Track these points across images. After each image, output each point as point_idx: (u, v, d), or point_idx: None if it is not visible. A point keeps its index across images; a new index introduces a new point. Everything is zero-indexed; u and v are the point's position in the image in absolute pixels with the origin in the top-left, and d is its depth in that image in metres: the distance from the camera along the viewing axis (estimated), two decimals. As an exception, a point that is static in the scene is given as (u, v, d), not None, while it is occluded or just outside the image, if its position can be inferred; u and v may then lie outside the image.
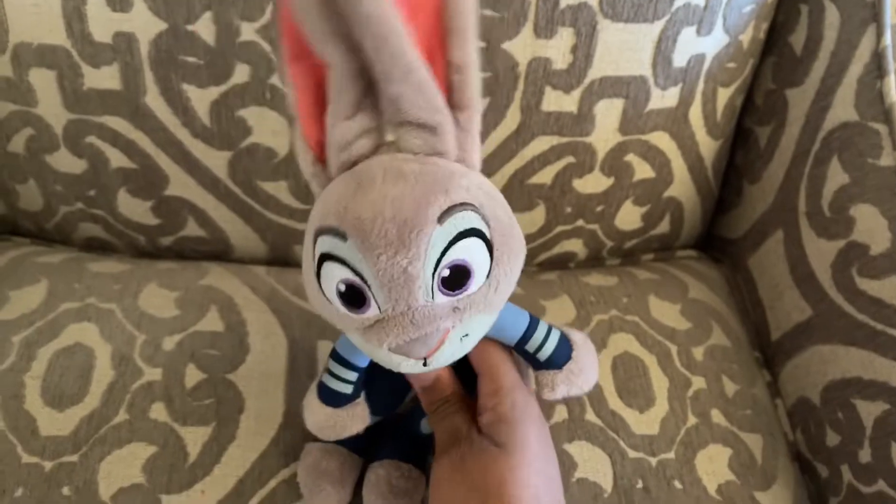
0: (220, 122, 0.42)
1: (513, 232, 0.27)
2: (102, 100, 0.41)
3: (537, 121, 0.44)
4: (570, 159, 0.46)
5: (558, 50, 0.41)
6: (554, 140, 0.45)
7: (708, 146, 0.50)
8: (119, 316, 0.43)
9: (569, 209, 0.49)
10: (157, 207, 0.46)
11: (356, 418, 0.34)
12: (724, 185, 0.55)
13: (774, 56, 0.49)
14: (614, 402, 0.43)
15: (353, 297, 0.25)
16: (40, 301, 0.43)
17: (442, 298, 0.25)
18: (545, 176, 0.47)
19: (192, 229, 0.47)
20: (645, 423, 0.42)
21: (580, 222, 0.50)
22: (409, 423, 0.38)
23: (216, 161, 0.43)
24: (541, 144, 0.45)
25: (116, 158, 0.43)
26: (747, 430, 0.43)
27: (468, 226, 0.25)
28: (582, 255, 0.53)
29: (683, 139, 0.48)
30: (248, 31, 0.39)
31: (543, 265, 0.53)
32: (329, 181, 0.27)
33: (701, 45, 0.44)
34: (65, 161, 0.44)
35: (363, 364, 0.33)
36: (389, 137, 0.27)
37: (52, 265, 0.46)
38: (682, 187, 0.51)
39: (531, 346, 0.32)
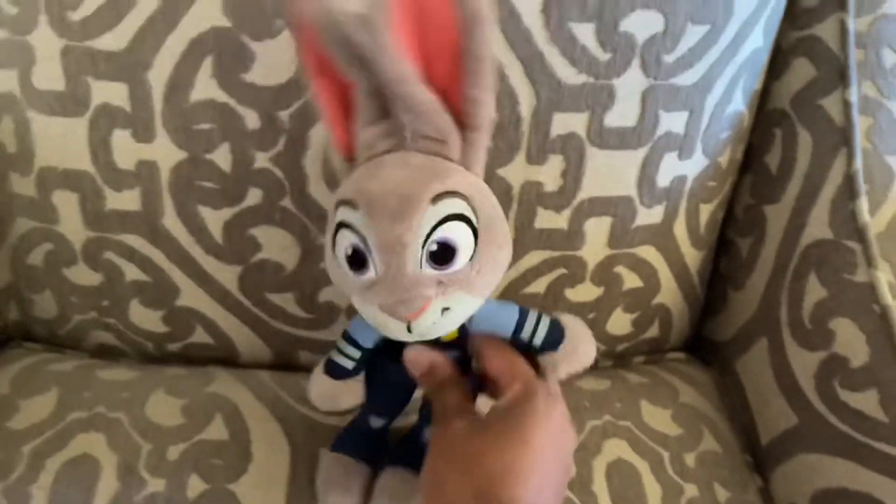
0: (231, 240, 0.44)
1: (499, 226, 0.32)
2: (122, 220, 0.44)
3: (530, 237, 0.46)
4: (562, 271, 0.48)
5: (549, 175, 0.44)
6: (546, 254, 0.47)
7: (693, 257, 0.52)
8: (126, 425, 0.44)
9: (562, 316, 0.51)
10: (167, 317, 0.48)
11: (350, 393, 0.39)
12: (710, 289, 0.58)
13: (752, 174, 0.53)
14: (609, 512, 0.44)
15: (357, 260, 0.31)
16: (50, 411, 0.44)
17: (429, 270, 0.30)
18: (539, 286, 0.49)
19: (199, 336, 0.49)
20: (640, 533, 0.43)
21: (573, 328, 0.52)
22: (415, 434, 0.40)
23: (227, 275, 0.46)
24: (534, 258, 0.47)
25: (131, 272, 0.46)
26: (740, 540, 0.44)
27: (457, 210, 0.30)
28: (575, 358, 0.55)
29: (669, 252, 0.50)
30: (262, 160, 0.42)
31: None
32: None
33: (682, 168, 0.47)
34: (81, 274, 0.46)
35: (367, 345, 0.37)
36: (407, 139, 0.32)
37: (63, 373, 0.47)
38: (669, 295, 0.53)
39: (526, 333, 0.35)
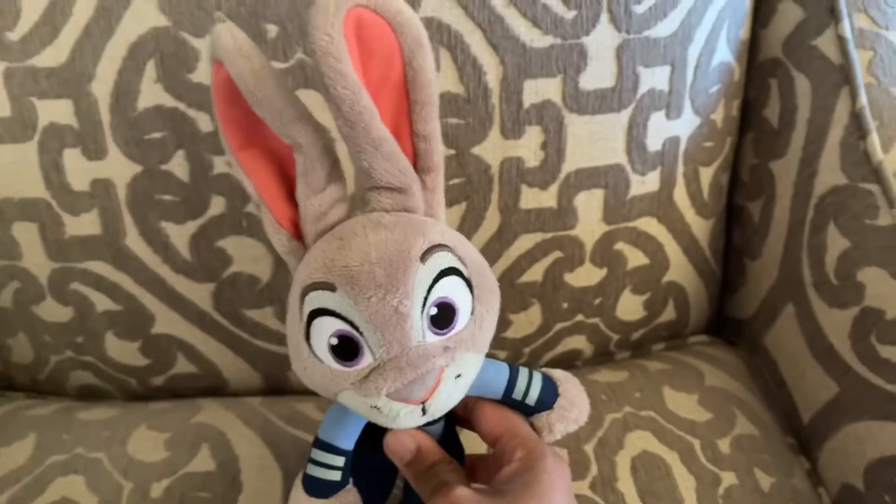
0: (199, 255, 0.42)
1: (486, 272, 0.29)
2: (84, 246, 0.41)
3: (518, 219, 0.43)
4: (558, 254, 0.45)
5: (528, 148, 0.41)
6: (538, 237, 0.44)
7: (700, 226, 0.48)
8: (106, 465, 0.41)
9: (565, 305, 0.47)
10: (144, 347, 0.45)
11: None
12: (726, 264, 0.53)
13: (752, 131, 0.49)
14: (638, 510, 0.39)
15: (346, 349, 0.26)
16: (27, 456, 0.41)
17: (433, 338, 0.27)
18: (535, 273, 0.45)
19: (182, 366, 0.46)
20: (674, 529, 0.38)
21: (579, 317, 0.48)
22: None
23: (200, 294, 0.43)
24: (525, 242, 0.44)
25: (101, 302, 0.43)
26: (790, 528, 0.39)
27: (447, 265, 0.27)
28: (588, 352, 0.51)
29: (672, 222, 0.47)
30: (220, 165, 0.40)
31: (549, 365, 0.51)
32: (307, 251, 0.29)
33: (673, 128, 0.44)
34: (51, 310, 0.44)
35: (349, 447, 0.32)
36: (361, 201, 0.29)
37: (42, 417, 0.45)
38: (680, 271, 0.49)
39: (518, 393, 0.31)
